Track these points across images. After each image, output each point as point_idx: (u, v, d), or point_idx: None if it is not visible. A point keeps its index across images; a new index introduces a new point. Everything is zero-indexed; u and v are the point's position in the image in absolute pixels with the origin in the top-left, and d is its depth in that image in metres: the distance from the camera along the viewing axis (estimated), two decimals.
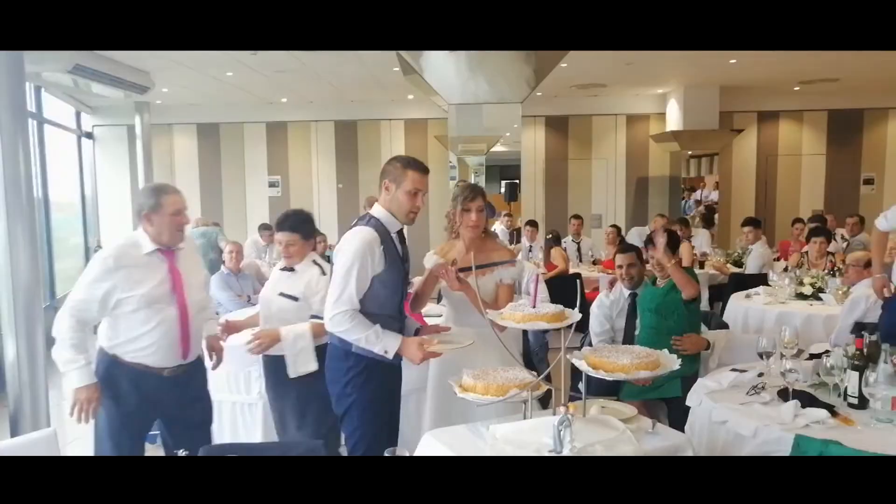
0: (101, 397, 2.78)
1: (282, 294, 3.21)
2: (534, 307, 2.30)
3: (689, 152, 10.58)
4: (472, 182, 8.95)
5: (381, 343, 2.56)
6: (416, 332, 2.82)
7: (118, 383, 2.83)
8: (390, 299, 2.68)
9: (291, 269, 3.25)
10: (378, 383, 2.67)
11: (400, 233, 2.75)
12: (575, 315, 2.28)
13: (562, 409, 2.09)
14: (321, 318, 2.97)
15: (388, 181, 2.67)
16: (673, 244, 3.69)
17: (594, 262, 8.00)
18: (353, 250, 2.57)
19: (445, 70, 7.05)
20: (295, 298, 3.17)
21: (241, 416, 3.89)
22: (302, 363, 3.08)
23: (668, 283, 3.64)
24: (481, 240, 2.98)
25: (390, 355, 2.58)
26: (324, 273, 3.16)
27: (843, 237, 8.00)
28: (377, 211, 2.70)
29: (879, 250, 3.87)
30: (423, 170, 2.68)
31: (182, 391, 2.92)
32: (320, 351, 3.05)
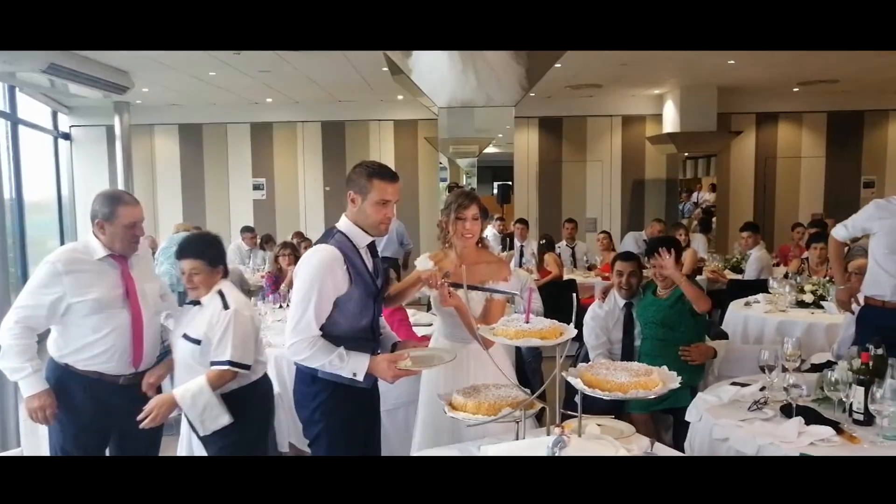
0: (54, 402, 2.74)
1: (185, 336, 2.85)
2: (527, 322, 2.24)
3: (686, 154, 10.59)
4: (464, 185, 8.93)
5: (348, 366, 2.43)
6: (394, 347, 2.72)
7: (72, 394, 2.79)
8: (359, 320, 2.53)
9: (197, 303, 2.88)
10: (349, 408, 2.54)
11: (371, 246, 2.62)
12: (570, 331, 2.23)
13: (556, 429, 2.04)
14: (221, 363, 2.76)
15: (354, 192, 2.51)
16: (676, 254, 3.66)
17: (589, 268, 7.97)
18: (311, 272, 2.43)
19: (435, 71, 6.99)
20: (197, 341, 2.81)
21: None
22: (210, 420, 2.77)
23: (673, 294, 3.60)
24: (475, 251, 2.87)
25: (360, 377, 2.44)
26: (226, 307, 2.80)
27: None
28: (343, 224, 2.54)
29: (840, 262, 3.88)
30: (390, 178, 2.52)
31: (137, 402, 2.84)
32: (230, 398, 2.81)
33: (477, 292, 2.77)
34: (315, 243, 2.60)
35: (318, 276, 2.42)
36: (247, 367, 2.82)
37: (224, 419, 2.76)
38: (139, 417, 2.72)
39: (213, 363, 2.78)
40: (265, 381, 3.00)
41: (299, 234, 8.49)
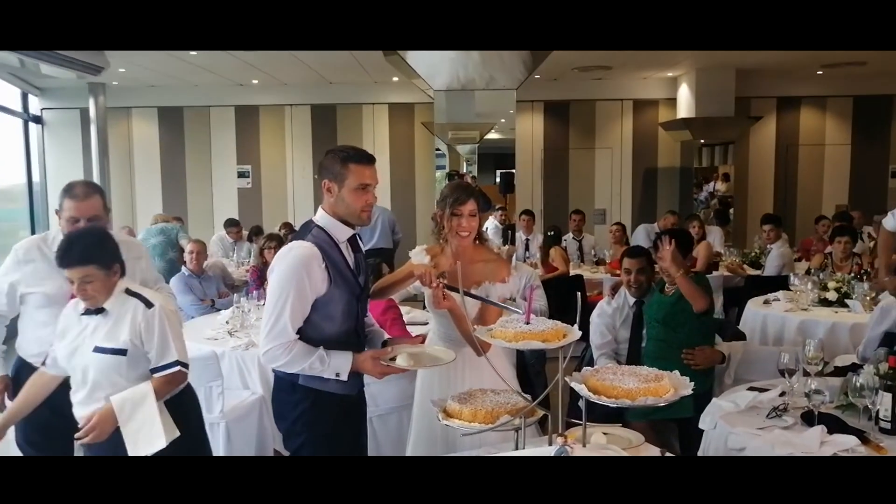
0: (8, 387, 2.88)
1: (99, 350, 2.52)
2: (528, 323, 2.21)
3: (702, 141, 10.56)
4: (465, 172, 8.91)
5: (330, 367, 2.39)
6: (384, 346, 2.66)
7: None
8: (343, 321, 2.48)
9: (101, 311, 2.54)
10: (332, 418, 2.49)
11: (353, 240, 2.56)
12: (574, 332, 2.20)
13: (559, 438, 2.01)
14: (170, 367, 2.55)
15: (329, 181, 2.44)
16: (684, 247, 3.62)
17: (597, 263, 7.94)
18: (286, 272, 2.37)
19: (431, 52, 6.95)
20: (122, 352, 2.51)
21: None
22: (144, 440, 2.47)
23: (677, 291, 3.58)
24: (473, 248, 2.83)
25: (344, 376, 2.41)
26: (150, 305, 2.54)
27: (869, 236, 7.97)
28: (321, 218, 2.48)
29: (887, 252, 3.93)
30: (366, 160, 2.45)
31: None
32: (174, 405, 2.59)
33: (475, 293, 2.72)
34: (290, 239, 2.56)
35: (293, 276, 2.37)
36: (187, 366, 2.65)
37: (159, 442, 2.48)
38: (77, 435, 2.51)
39: (156, 370, 2.56)
40: (188, 389, 2.77)
41: (287, 226, 8.46)
